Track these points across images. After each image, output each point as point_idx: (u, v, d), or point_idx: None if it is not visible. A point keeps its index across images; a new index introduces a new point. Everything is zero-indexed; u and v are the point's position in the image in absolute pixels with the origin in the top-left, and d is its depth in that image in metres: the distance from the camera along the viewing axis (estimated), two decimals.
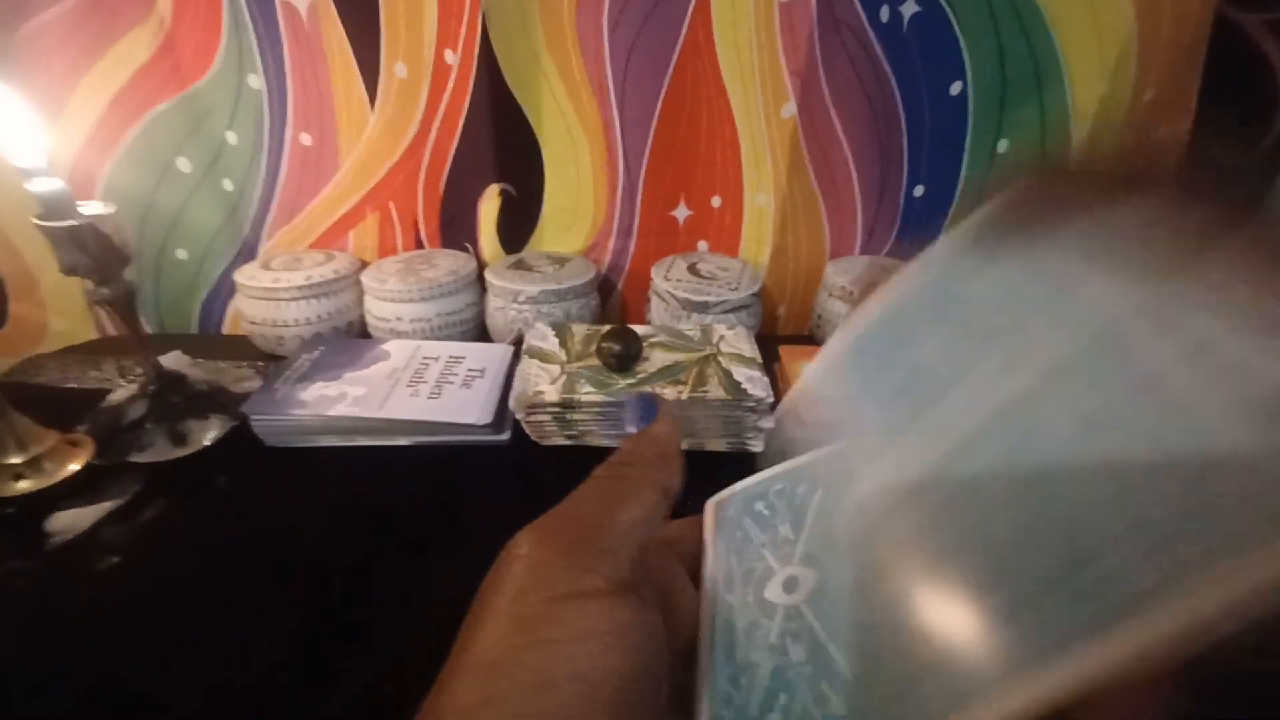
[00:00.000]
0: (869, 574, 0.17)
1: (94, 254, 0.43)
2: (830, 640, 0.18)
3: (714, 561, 0.22)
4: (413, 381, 0.52)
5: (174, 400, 0.51)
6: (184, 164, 0.64)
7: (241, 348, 0.65)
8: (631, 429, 0.23)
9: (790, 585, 0.20)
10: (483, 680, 0.15)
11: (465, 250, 0.71)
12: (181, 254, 0.69)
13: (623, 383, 0.50)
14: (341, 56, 0.61)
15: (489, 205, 0.69)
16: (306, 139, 0.65)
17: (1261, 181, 0.61)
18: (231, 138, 0.64)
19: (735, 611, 0.20)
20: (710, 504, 0.24)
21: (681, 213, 0.71)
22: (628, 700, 0.15)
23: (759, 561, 0.21)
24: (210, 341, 0.72)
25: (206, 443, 0.49)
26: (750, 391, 0.49)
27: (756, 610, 0.20)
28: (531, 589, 0.16)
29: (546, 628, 0.16)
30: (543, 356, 0.53)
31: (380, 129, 0.64)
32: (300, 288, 0.61)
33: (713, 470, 0.25)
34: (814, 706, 0.17)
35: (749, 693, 0.18)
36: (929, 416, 0.17)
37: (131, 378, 0.58)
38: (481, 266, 0.69)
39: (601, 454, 0.21)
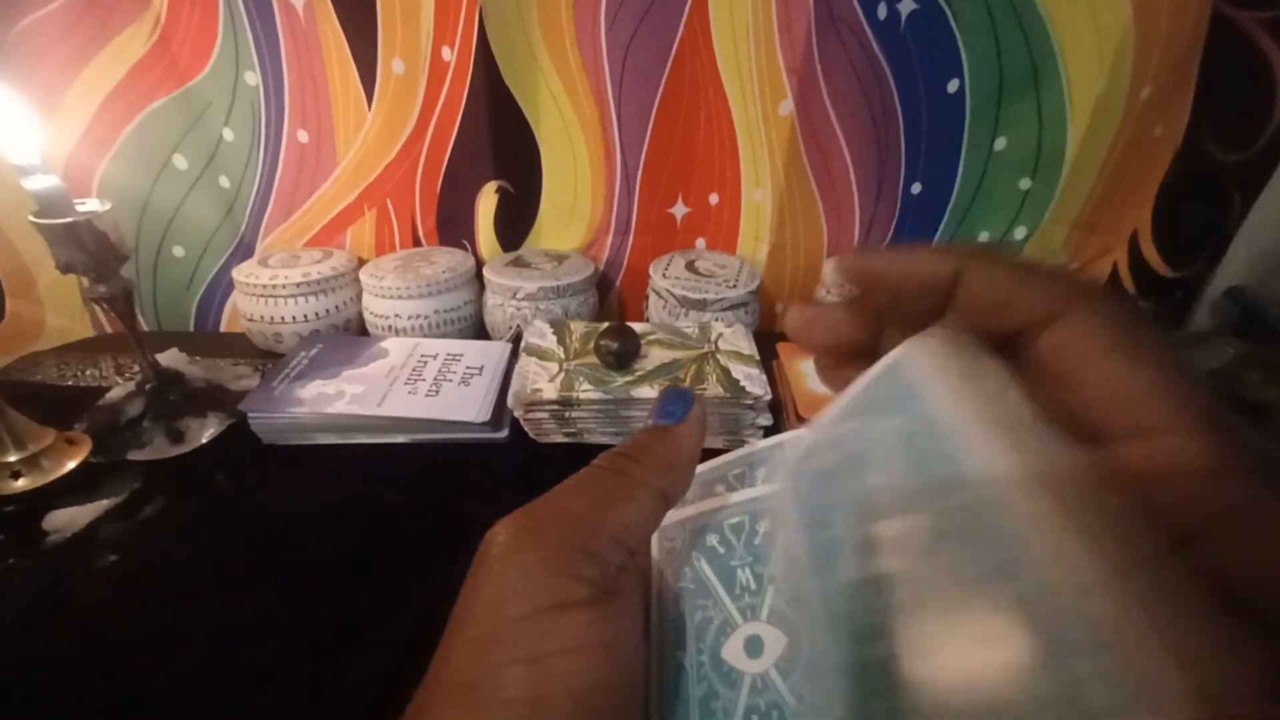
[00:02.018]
0: (856, 639, 0.15)
1: (91, 251, 0.43)
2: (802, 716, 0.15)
3: (660, 604, 0.19)
4: (411, 379, 0.52)
5: (172, 398, 0.50)
6: (180, 161, 0.64)
7: (239, 345, 0.65)
8: (652, 421, 0.20)
9: (754, 648, 0.17)
10: (464, 702, 0.14)
11: (463, 247, 0.71)
12: (179, 251, 0.69)
13: (621, 380, 0.50)
14: (338, 53, 0.61)
15: (486, 202, 0.69)
16: (304, 136, 0.65)
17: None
18: (228, 135, 0.64)
19: (688, 676, 0.17)
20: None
21: (679, 210, 0.71)
22: (618, 706, 0.15)
23: (715, 611, 0.18)
24: (208, 339, 0.72)
25: (204, 440, 0.49)
26: (748, 389, 0.49)
27: (714, 676, 0.17)
28: (514, 598, 0.15)
29: (534, 642, 0.15)
30: (541, 354, 0.53)
31: (377, 126, 0.64)
32: (298, 285, 0.61)
33: None
34: None
35: None
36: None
37: (129, 375, 0.58)
38: (479, 264, 0.69)
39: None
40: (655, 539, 0.21)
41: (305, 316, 0.62)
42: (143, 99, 0.61)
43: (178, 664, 0.34)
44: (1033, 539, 0.12)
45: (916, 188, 0.67)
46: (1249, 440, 0.12)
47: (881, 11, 0.58)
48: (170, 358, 0.55)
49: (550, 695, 0.14)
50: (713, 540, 0.20)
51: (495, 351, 0.57)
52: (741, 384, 0.50)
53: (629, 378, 0.50)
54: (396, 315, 0.63)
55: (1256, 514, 0.12)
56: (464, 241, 0.72)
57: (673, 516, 0.21)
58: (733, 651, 0.17)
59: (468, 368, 0.54)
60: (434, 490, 0.46)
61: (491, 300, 0.65)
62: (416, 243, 0.72)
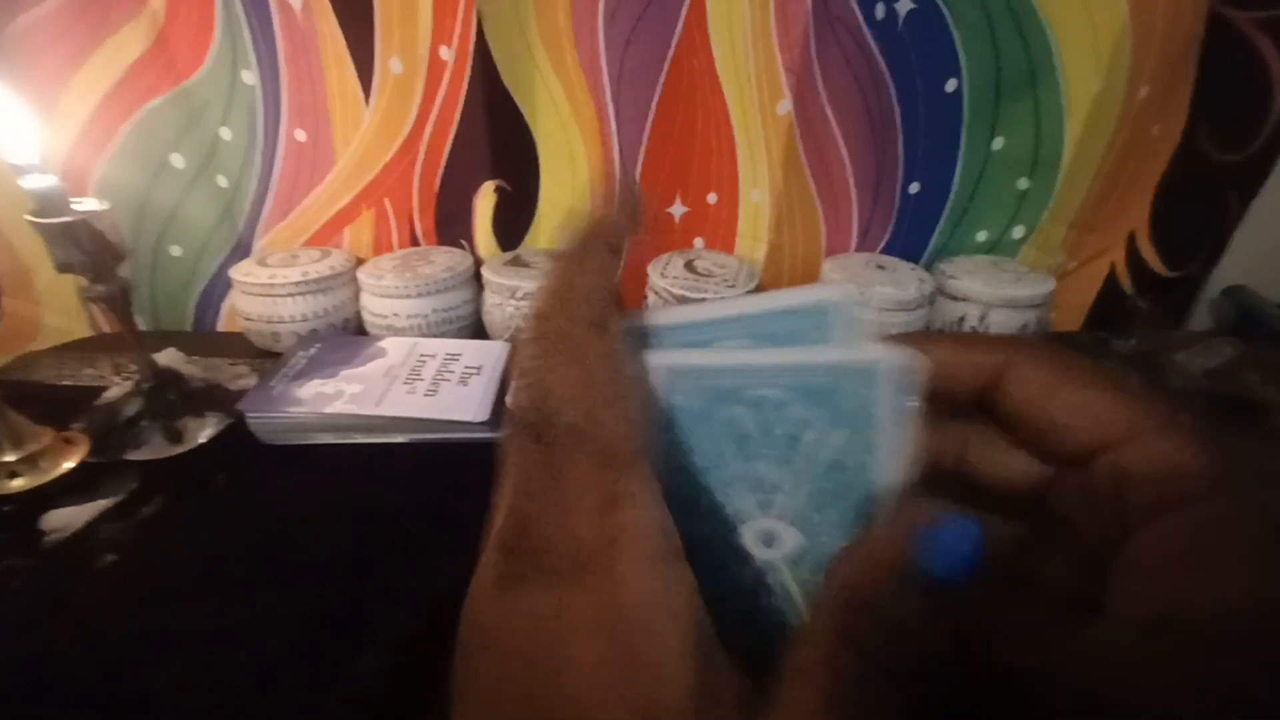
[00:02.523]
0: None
1: (88, 251, 0.43)
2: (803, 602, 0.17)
3: (669, 471, 0.18)
4: (409, 379, 0.52)
5: (170, 397, 0.50)
6: (178, 160, 0.64)
7: (237, 345, 0.65)
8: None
9: (768, 539, 0.17)
10: None
11: (461, 247, 0.71)
12: (176, 250, 0.69)
13: None
14: (335, 52, 0.61)
15: (484, 202, 0.69)
16: (301, 135, 0.65)
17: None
18: (226, 134, 0.64)
19: (697, 543, 0.17)
20: (662, 368, 0.18)
21: (677, 209, 0.71)
22: None
23: (734, 496, 0.18)
24: (205, 338, 0.71)
25: (202, 440, 0.49)
26: None
27: (725, 550, 0.17)
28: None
29: None
30: None
31: (375, 125, 0.64)
32: (296, 284, 0.61)
33: None
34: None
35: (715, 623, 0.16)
36: None
37: (126, 375, 0.58)
38: (478, 263, 0.69)
39: None
40: (666, 378, 0.18)
41: (303, 316, 0.62)
42: (140, 98, 0.61)
43: (178, 664, 0.34)
44: None
45: (914, 187, 0.67)
46: (1212, 432, 0.14)
47: (879, 11, 0.58)
48: (168, 357, 0.55)
49: None
50: (734, 411, 0.18)
51: (494, 351, 0.57)
52: None
53: None
54: (395, 314, 0.63)
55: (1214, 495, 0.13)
56: (462, 241, 0.72)
57: (680, 361, 0.18)
58: (748, 537, 0.18)
59: (466, 367, 0.54)
60: (434, 490, 0.46)
61: (490, 300, 0.65)
62: (414, 242, 0.72)
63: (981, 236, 0.71)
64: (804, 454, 0.17)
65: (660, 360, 0.18)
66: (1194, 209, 0.67)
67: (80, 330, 0.69)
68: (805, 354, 0.17)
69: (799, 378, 0.17)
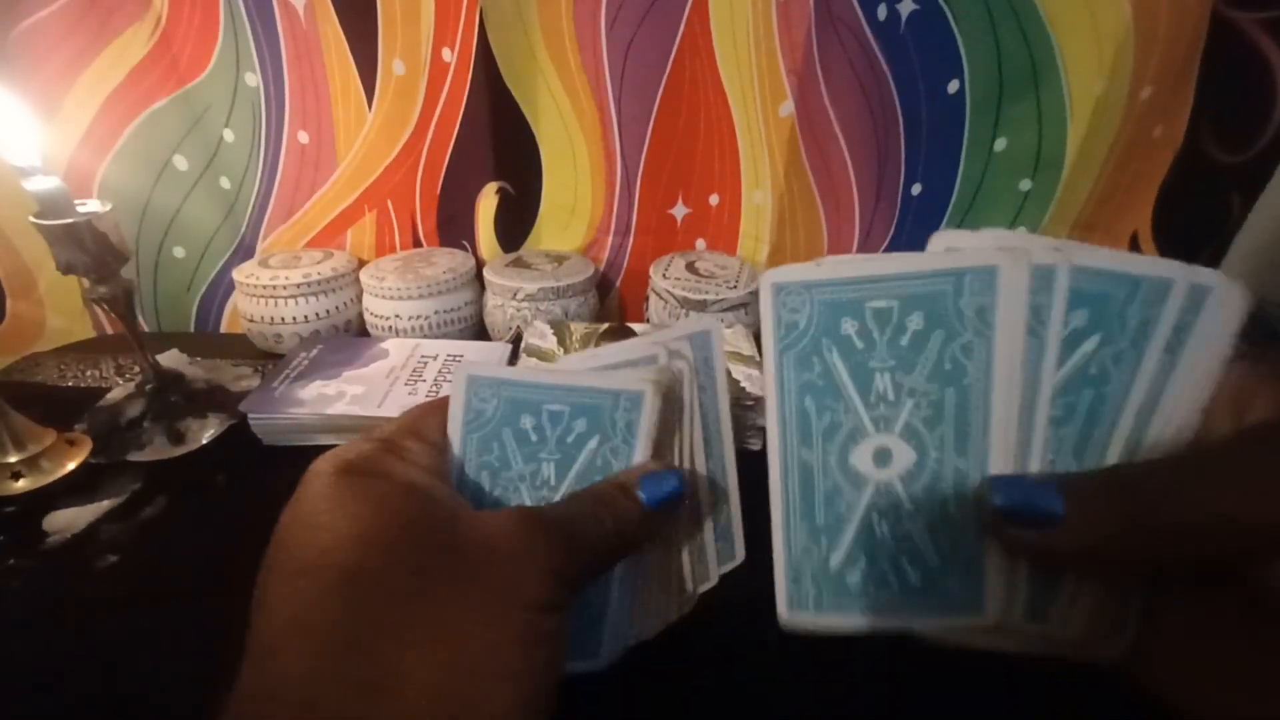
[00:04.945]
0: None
1: (91, 252, 0.43)
2: (916, 523, 0.18)
3: (781, 399, 0.20)
4: (411, 380, 0.52)
5: (172, 399, 0.50)
6: (181, 162, 0.64)
7: (239, 346, 0.65)
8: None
9: (882, 458, 0.18)
10: None
11: (463, 248, 0.71)
12: (179, 252, 0.69)
13: None
14: (339, 54, 0.61)
15: (487, 203, 0.69)
16: (304, 137, 0.65)
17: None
18: (229, 136, 0.64)
19: (815, 473, 0.19)
20: (768, 284, 0.20)
21: (679, 211, 0.71)
22: None
23: (846, 417, 0.18)
24: (208, 340, 0.72)
25: (205, 441, 0.49)
26: (749, 390, 0.49)
27: (840, 476, 0.19)
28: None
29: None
30: (541, 355, 0.53)
31: (378, 127, 0.64)
32: (299, 285, 0.61)
33: None
34: (891, 574, 0.18)
35: (830, 550, 0.19)
36: None
37: (129, 376, 0.58)
38: (480, 264, 0.69)
39: None
40: (771, 298, 0.20)
41: (305, 317, 0.63)
42: (143, 100, 0.61)
43: (178, 664, 0.34)
44: None
45: (917, 188, 0.67)
46: None
47: (881, 12, 0.58)
48: (171, 358, 0.55)
49: None
50: (849, 328, 0.19)
51: (495, 352, 0.57)
52: (742, 384, 0.50)
53: None
54: (397, 316, 0.63)
55: None
56: (464, 242, 0.72)
57: (797, 275, 0.20)
58: (861, 458, 0.19)
59: None
60: None
61: (492, 301, 0.65)
62: (417, 243, 0.72)
63: None
64: (924, 365, 0.18)
65: (462, 370, 0.22)
66: (1196, 210, 0.67)
67: (83, 331, 0.69)
68: (578, 377, 0.21)
69: (575, 396, 0.20)
